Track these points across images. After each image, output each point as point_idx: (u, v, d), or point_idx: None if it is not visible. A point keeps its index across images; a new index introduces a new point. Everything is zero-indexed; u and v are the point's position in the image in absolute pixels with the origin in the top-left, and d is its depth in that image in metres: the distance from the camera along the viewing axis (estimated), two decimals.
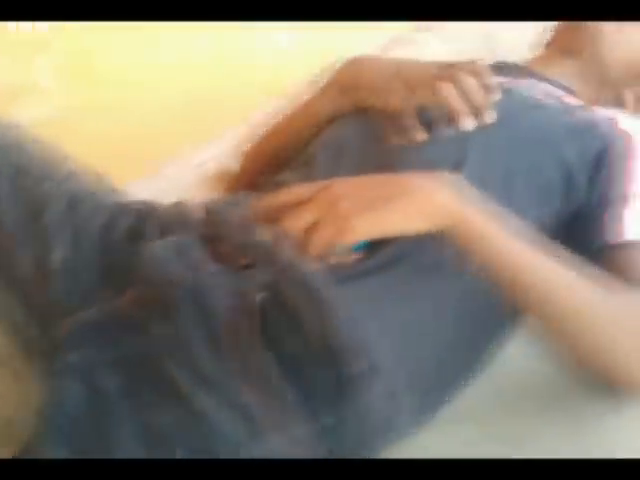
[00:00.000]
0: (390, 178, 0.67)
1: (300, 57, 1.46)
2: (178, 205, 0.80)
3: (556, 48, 1.04)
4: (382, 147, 0.81)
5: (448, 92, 0.79)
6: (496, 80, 0.85)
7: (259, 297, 0.61)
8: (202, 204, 0.80)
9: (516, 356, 0.80)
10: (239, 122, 1.36)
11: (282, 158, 0.93)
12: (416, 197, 0.63)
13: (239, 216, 0.70)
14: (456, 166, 0.76)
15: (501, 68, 1.01)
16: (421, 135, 0.79)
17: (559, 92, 0.94)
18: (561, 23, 1.04)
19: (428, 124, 0.81)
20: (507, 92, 0.84)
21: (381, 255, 0.68)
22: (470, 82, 0.79)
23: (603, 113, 0.89)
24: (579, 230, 0.81)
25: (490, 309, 0.72)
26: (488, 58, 1.06)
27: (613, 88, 1.03)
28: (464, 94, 0.79)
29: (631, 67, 1.01)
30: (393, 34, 1.63)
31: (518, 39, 1.23)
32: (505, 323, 0.78)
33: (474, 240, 0.65)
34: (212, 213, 0.76)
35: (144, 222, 0.77)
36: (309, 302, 0.61)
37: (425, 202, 0.63)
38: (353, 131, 0.86)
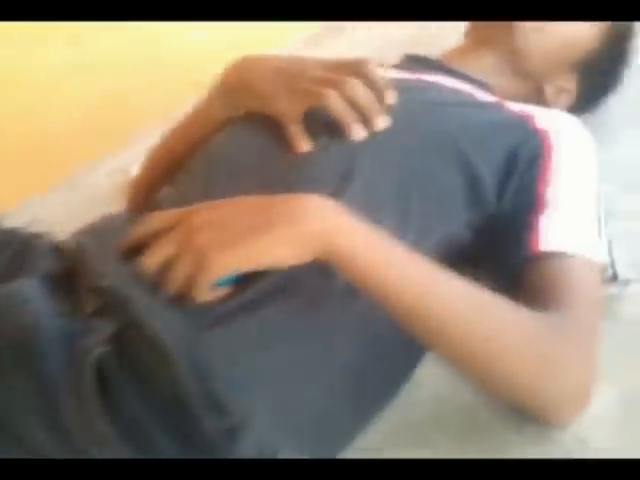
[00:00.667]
0: (257, 203, 0.58)
1: (221, 54, 1.36)
2: (44, 236, 0.70)
3: (472, 39, 0.97)
4: (264, 158, 0.72)
5: (333, 99, 0.70)
6: (393, 79, 0.77)
7: (97, 353, 0.52)
8: (72, 234, 0.71)
9: (426, 383, 0.72)
10: (158, 124, 1.26)
11: (175, 171, 0.84)
12: (282, 226, 0.55)
13: (96, 251, 0.61)
14: (344, 179, 0.68)
15: (409, 62, 0.93)
16: (304, 145, 0.70)
17: (470, 88, 0.87)
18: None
19: (315, 132, 0.72)
20: (407, 92, 0.77)
21: (253, 290, 0.59)
22: (357, 87, 0.71)
23: (518, 110, 0.82)
24: (494, 242, 0.75)
25: (391, 341, 0.64)
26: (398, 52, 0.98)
27: (532, 81, 0.97)
28: (351, 100, 0.70)
29: (549, 59, 0.96)
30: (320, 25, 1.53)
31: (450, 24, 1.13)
32: (411, 354, 0.70)
33: (355, 269, 0.57)
34: (75, 247, 0.67)
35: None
36: (157, 359, 0.52)
37: (293, 231, 0.56)
38: (236, 140, 0.77)
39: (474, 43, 0.96)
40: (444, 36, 1.12)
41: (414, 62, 0.93)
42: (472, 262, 0.75)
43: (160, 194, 0.78)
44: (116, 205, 1.00)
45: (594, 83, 1.02)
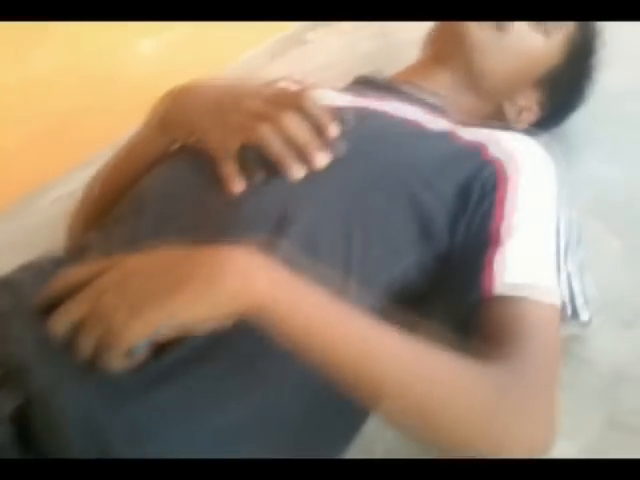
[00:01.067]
0: (174, 259, 0.53)
1: (173, 67, 1.30)
2: None
3: (428, 57, 0.92)
4: (197, 200, 0.67)
5: (267, 135, 0.65)
6: (337, 109, 0.72)
7: None
8: None
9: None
10: (110, 147, 1.20)
11: (112, 207, 0.78)
12: (198, 285, 0.50)
13: (12, 307, 0.56)
14: (281, 223, 0.63)
15: (359, 85, 0.87)
16: (237, 185, 0.65)
17: (422, 114, 0.81)
18: (433, 29, 0.92)
19: (251, 170, 0.66)
20: (352, 123, 0.70)
21: (172, 355, 0.54)
22: (294, 121, 0.66)
23: (470, 139, 0.77)
24: (447, 282, 0.70)
25: (334, 397, 0.59)
26: (349, 71, 0.93)
27: (491, 99, 0.92)
28: (287, 136, 0.64)
29: (508, 77, 0.90)
30: (281, 35, 1.47)
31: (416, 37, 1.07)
32: (355, 416, 0.65)
33: (283, 330, 0.52)
34: None
35: None
36: (56, 441, 0.47)
37: (210, 290, 0.50)
38: (168, 178, 0.72)
39: (429, 61, 0.91)
40: (408, 49, 1.07)
41: (364, 85, 0.88)
42: (425, 303, 0.70)
43: (86, 238, 0.72)
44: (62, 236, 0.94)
45: (557, 100, 0.97)
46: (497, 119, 0.93)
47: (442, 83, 0.89)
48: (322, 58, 1.42)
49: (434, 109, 0.86)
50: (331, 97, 0.81)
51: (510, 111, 0.94)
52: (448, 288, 0.69)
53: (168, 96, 0.76)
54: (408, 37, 1.20)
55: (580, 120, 1.06)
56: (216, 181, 0.67)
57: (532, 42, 0.90)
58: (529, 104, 0.94)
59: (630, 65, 1.13)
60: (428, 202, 0.69)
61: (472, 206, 0.70)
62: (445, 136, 0.77)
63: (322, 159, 0.67)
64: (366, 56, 1.39)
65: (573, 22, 0.93)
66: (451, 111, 0.87)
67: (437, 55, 0.91)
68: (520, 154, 0.76)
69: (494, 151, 0.74)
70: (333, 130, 0.68)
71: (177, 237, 0.57)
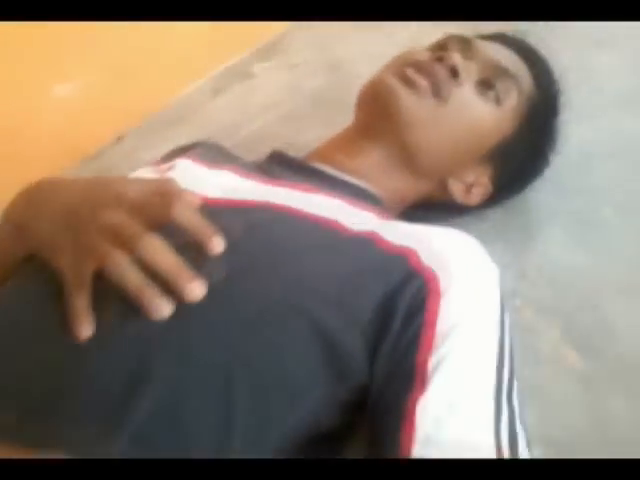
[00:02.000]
0: None
1: (92, 113, 1.16)
2: None
3: (356, 127, 0.77)
4: (38, 337, 0.54)
5: (124, 265, 0.51)
6: (228, 212, 0.62)
7: None
8: None
9: None
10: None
11: None
12: None
13: None
14: (134, 382, 0.49)
15: (272, 165, 0.73)
16: (84, 329, 0.51)
17: (345, 207, 0.68)
18: (361, 92, 0.78)
19: (107, 305, 0.52)
20: (245, 232, 0.57)
21: None
22: (159, 246, 0.51)
23: (399, 242, 0.64)
24: (367, 426, 0.58)
25: None
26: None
27: (432, 178, 0.78)
28: (151, 264, 0.51)
29: (449, 155, 0.78)
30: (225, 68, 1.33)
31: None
32: None
33: None
34: None
35: None
36: None
37: None
38: (10, 304, 0.58)
39: (356, 133, 0.79)
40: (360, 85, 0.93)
41: (279, 164, 0.74)
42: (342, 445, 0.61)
43: None
44: None
45: (513, 173, 0.83)
46: (440, 197, 0.81)
47: (371, 161, 0.77)
48: (267, 95, 1.27)
49: (360, 195, 0.72)
50: (224, 187, 0.67)
51: (455, 189, 0.81)
52: (368, 426, 0.58)
53: (22, 195, 0.62)
54: (360, 71, 1.07)
55: (541, 190, 0.92)
56: (64, 315, 0.53)
57: (479, 112, 0.77)
58: (479, 180, 0.81)
59: (598, 125, 0.99)
60: (337, 329, 0.57)
61: (395, 330, 0.58)
62: (366, 241, 0.63)
63: (196, 291, 0.53)
64: (315, 93, 1.25)
65: (528, 85, 0.80)
66: (382, 195, 0.76)
67: (364, 127, 0.78)
68: (456, 260, 0.64)
69: (425, 257, 0.62)
70: (215, 246, 0.54)
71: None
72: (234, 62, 1.38)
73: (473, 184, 0.82)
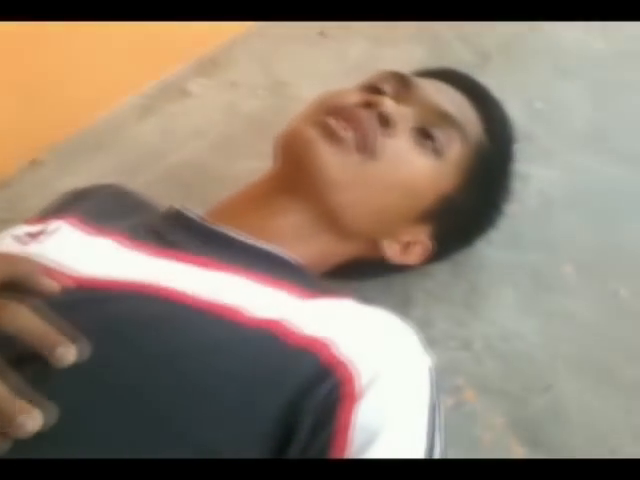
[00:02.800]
0: None
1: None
2: None
3: (272, 183, 0.68)
4: None
5: None
6: (94, 300, 0.50)
7: None
8: None
9: None
10: None
11: None
12: None
13: None
14: None
15: (170, 225, 0.61)
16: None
17: (250, 285, 0.57)
18: (278, 150, 0.67)
19: None
20: (111, 328, 0.47)
21: None
22: None
23: (311, 331, 0.52)
24: None
25: None
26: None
27: (361, 241, 0.69)
28: None
29: (380, 215, 0.67)
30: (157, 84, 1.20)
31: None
32: None
33: None
34: None
35: None
36: None
37: None
38: None
39: (272, 190, 0.67)
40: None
41: (175, 225, 0.62)
42: None
43: None
44: None
45: (457, 231, 0.73)
46: (372, 258, 0.70)
47: (288, 222, 0.65)
48: (202, 116, 1.15)
49: (274, 265, 0.61)
50: (104, 262, 0.55)
51: (389, 250, 0.70)
52: None
53: None
54: (304, 94, 0.96)
55: (493, 242, 0.81)
56: None
57: (414, 168, 0.66)
58: (417, 238, 0.69)
59: (559, 167, 0.89)
60: (228, 449, 0.46)
61: (300, 444, 0.48)
62: (268, 335, 0.52)
63: (32, 422, 0.41)
64: (253, 117, 1.13)
65: (475, 133, 0.68)
66: (302, 260, 0.64)
67: (282, 181, 0.66)
68: (381, 353, 0.54)
69: (344, 348, 0.51)
70: (60, 359, 0.42)
71: None
72: (168, 77, 1.25)
73: (411, 243, 0.70)
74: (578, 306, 0.75)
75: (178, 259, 0.58)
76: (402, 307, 0.78)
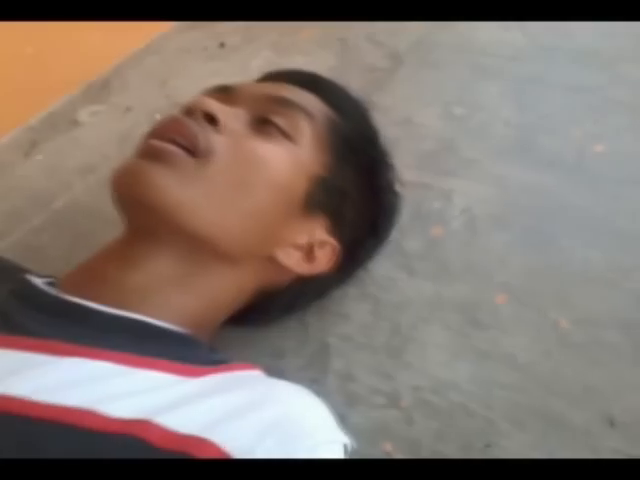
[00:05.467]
0: None
1: None
2: None
3: (124, 236, 0.58)
4: None
5: None
6: None
7: None
8: None
9: None
10: None
11: None
12: None
13: None
14: None
15: (10, 306, 0.52)
16: None
17: (116, 369, 0.47)
18: (114, 197, 0.57)
19: None
20: None
21: None
22: None
23: (194, 425, 0.44)
24: None
25: None
26: None
27: (253, 258, 0.59)
28: None
29: (248, 215, 0.57)
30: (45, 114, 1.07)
31: None
32: None
33: None
34: None
35: None
36: None
37: None
38: None
39: (127, 245, 0.57)
40: None
41: (21, 300, 0.52)
42: None
43: None
44: None
45: (355, 214, 0.65)
46: (282, 280, 0.63)
47: (156, 271, 0.55)
48: (93, 148, 1.03)
49: (145, 339, 0.51)
50: None
51: (290, 260, 0.61)
52: None
53: None
54: None
55: (417, 274, 0.72)
56: None
57: (262, 152, 0.58)
58: (316, 238, 0.62)
59: (483, 179, 0.80)
60: None
61: None
62: (132, 440, 0.41)
63: None
64: None
65: (321, 112, 0.63)
66: (187, 316, 0.55)
67: (133, 230, 0.57)
68: (275, 446, 0.45)
69: (228, 446, 0.43)
70: None
71: None
72: (56, 107, 1.12)
73: (312, 247, 0.61)
74: (515, 343, 0.66)
75: (22, 347, 0.47)
76: (320, 358, 0.68)
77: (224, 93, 0.63)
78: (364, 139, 0.66)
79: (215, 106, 0.58)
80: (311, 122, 0.61)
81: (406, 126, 0.92)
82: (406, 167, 0.79)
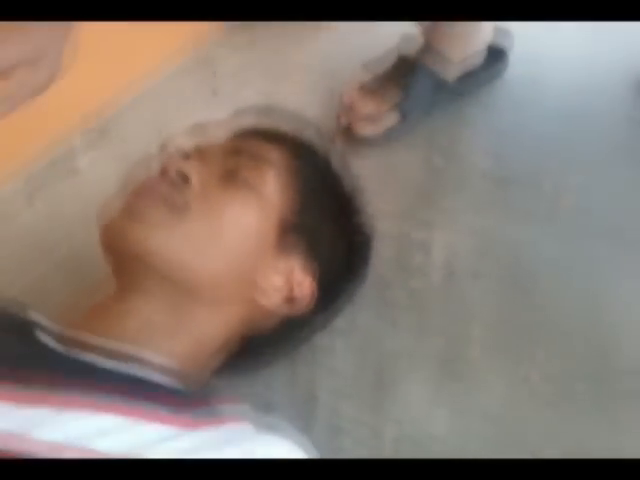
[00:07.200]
0: None
1: None
2: None
3: (118, 285, 0.64)
4: None
5: None
6: None
7: None
8: None
9: None
10: None
11: None
12: None
13: None
14: None
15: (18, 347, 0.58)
16: None
17: (119, 424, 0.51)
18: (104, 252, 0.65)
19: None
20: None
21: None
22: None
23: None
24: None
25: None
26: None
27: (235, 299, 0.65)
28: None
29: (226, 258, 0.63)
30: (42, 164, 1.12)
31: None
32: None
33: None
34: None
35: None
36: None
37: None
38: None
39: (119, 293, 0.63)
40: None
41: (24, 343, 0.58)
42: None
43: None
44: None
45: (326, 248, 0.70)
46: (262, 322, 0.68)
47: (146, 316, 0.61)
48: (92, 197, 1.07)
49: (140, 390, 0.55)
50: None
51: (269, 300, 0.66)
52: None
53: None
54: None
55: (400, 326, 0.77)
56: None
57: (232, 202, 0.64)
58: (292, 276, 0.66)
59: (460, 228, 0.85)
60: None
61: None
62: None
63: None
64: None
65: (282, 158, 0.69)
66: (181, 360, 0.60)
67: (120, 277, 0.64)
68: None
69: None
70: None
71: None
72: (56, 154, 1.17)
73: (291, 287, 0.66)
74: (489, 396, 0.71)
75: (34, 402, 0.52)
76: (308, 410, 0.73)
77: (198, 151, 0.69)
78: (327, 184, 0.72)
79: (187, 167, 0.64)
80: (276, 172, 0.67)
81: (389, 175, 0.97)
82: (388, 217, 0.85)
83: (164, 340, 0.61)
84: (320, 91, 1.17)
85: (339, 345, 0.77)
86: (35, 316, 0.63)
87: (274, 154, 0.69)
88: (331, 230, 0.70)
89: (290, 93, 1.19)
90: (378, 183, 0.96)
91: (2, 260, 1.01)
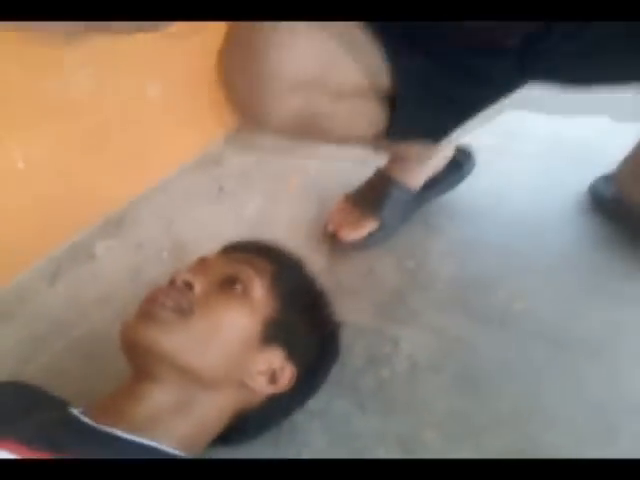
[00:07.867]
0: None
1: None
2: None
3: (133, 376, 0.78)
4: None
5: None
6: None
7: None
8: None
9: None
10: None
11: None
12: None
13: None
14: None
15: (56, 431, 0.71)
16: None
17: None
18: (123, 349, 0.79)
19: None
20: None
21: None
22: None
23: None
24: None
25: None
26: None
27: (228, 382, 0.79)
28: None
29: (221, 350, 0.78)
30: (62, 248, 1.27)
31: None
32: None
33: None
34: None
35: None
36: None
37: None
38: None
39: (134, 383, 0.77)
40: None
41: (64, 426, 0.72)
42: None
43: None
44: None
45: (302, 341, 0.85)
46: (250, 401, 0.82)
47: (157, 402, 0.75)
48: (108, 281, 1.22)
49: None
50: None
51: (256, 382, 0.80)
52: None
53: None
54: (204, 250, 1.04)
55: (368, 408, 0.90)
56: None
57: (227, 306, 0.80)
58: (274, 364, 0.81)
59: (425, 328, 0.99)
60: None
61: None
62: None
63: None
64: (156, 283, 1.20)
65: (266, 268, 0.85)
66: (181, 439, 0.74)
67: (135, 370, 0.78)
68: None
69: None
70: None
71: None
72: (76, 240, 1.32)
73: (274, 371, 0.81)
74: None
75: None
76: None
77: (201, 264, 0.86)
78: (301, 286, 0.88)
79: (188, 275, 0.80)
80: (262, 279, 0.83)
81: (367, 275, 1.13)
82: (364, 312, 0.99)
83: (172, 421, 0.74)
84: (312, 199, 1.34)
85: (315, 426, 0.90)
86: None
87: (261, 264, 0.85)
88: (305, 322, 0.86)
89: (286, 199, 1.37)
90: (358, 282, 1.12)
91: (21, 336, 1.15)
